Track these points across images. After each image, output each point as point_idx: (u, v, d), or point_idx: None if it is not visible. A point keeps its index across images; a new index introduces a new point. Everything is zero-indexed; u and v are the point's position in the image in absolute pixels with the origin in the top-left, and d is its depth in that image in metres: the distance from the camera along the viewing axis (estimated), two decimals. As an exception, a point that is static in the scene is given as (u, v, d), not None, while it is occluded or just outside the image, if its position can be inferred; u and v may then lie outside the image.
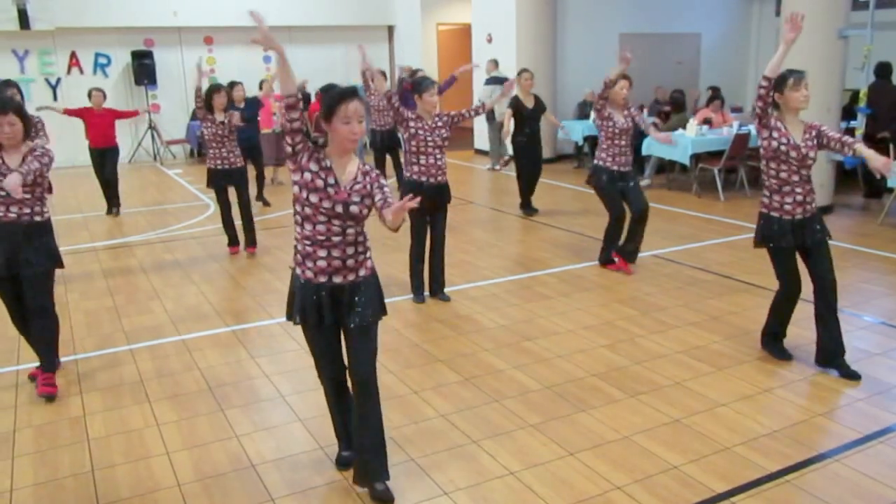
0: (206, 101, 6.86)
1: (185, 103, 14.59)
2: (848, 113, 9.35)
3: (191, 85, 14.55)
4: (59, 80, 13.49)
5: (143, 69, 13.81)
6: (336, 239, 2.95)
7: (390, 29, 16.20)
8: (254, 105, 8.82)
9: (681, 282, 6.04)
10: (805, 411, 3.82)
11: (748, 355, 4.54)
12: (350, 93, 2.89)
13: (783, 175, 4.13)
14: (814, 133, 4.10)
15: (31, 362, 4.52)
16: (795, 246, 4.22)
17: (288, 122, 2.93)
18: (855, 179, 9.69)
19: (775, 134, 4.08)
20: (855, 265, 6.41)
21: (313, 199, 2.91)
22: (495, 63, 12.48)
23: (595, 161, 6.34)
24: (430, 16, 15.22)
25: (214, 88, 6.97)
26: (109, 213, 9.30)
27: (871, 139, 8.66)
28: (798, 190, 4.15)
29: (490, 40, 13.37)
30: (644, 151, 10.31)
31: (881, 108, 8.63)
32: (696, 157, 9.70)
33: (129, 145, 13.82)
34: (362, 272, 3.04)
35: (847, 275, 6.15)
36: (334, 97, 2.88)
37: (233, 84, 8.75)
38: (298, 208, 2.97)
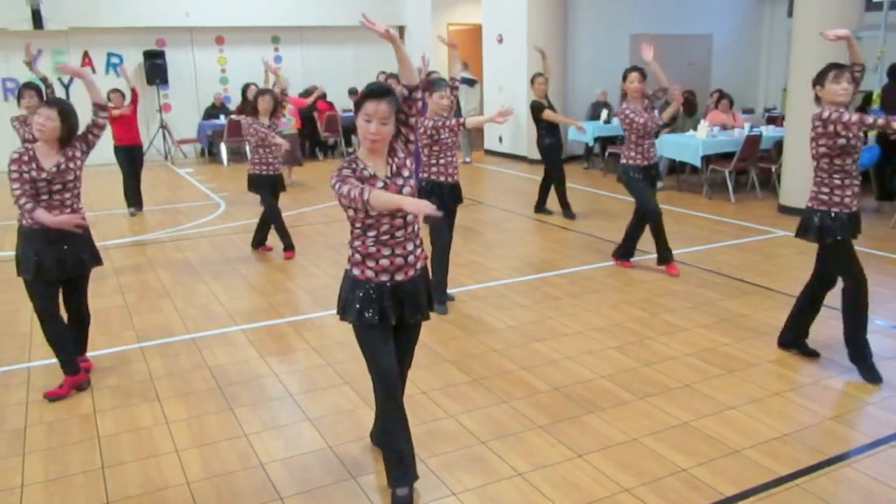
0: (252, 104, 6.87)
1: (195, 103, 14.68)
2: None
3: (202, 84, 14.69)
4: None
5: (155, 69, 13.89)
6: (399, 235, 2.91)
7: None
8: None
9: (691, 284, 6.02)
10: (815, 415, 3.80)
11: (758, 358, 4.52)
12: (377, 91, 2.80)
13: (848, 167, 4.09)
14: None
15: (43, 359, 4.56)
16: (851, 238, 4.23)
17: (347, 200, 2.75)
18: (867, 182, 9.62)
19: (841, 130, 3.98)
20: (867, 268, 6.34)
21: (372, 210, 2.81)
22: (464, 65, 12.61)
23: (623, 161, 6.28)
24: (440, 16, 15.22)
25: (260, 92, 6.94)
26: (135, 211, 9.33)
27: (884, 140, 8.61)
28: (856, 181, 4.15)
29: (500, 40, 13.37)
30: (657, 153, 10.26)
31: (894, 110, 8.56)
32: (707, 159, 9.67)
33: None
34: (419, 265, 3.04)
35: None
36: (363, 93, 2.83)
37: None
38: (358, 224, 2.91)
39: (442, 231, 5.43)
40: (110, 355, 4.77)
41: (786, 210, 8.58)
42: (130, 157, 9.21)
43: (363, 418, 3.81)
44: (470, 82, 13.43)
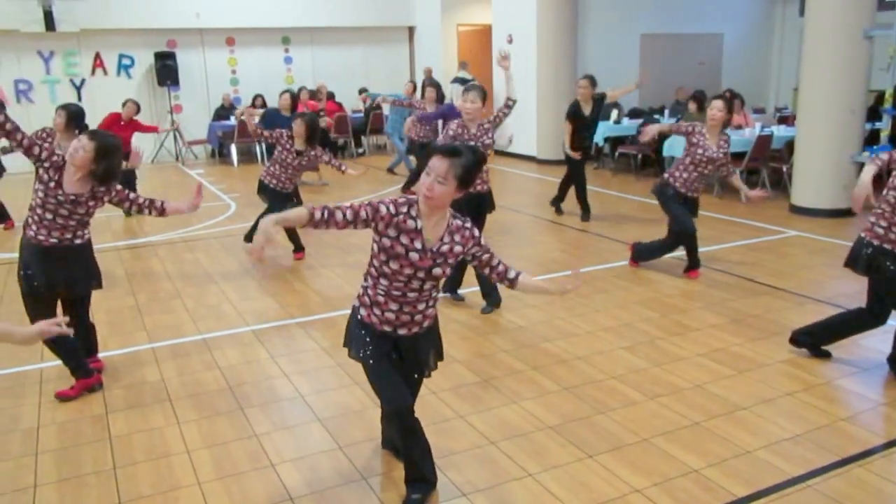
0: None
1: (206, 104, 14.74)
2: (874, 114, 9.23)
3: (213, 85, 14.76)
4: (83, 81, 13.67)
5: (166, 70, 13.95)
6: (412, 296, 2.83)
7: (411, 30, 16.24)
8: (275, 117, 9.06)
9: (701, 284, 5.99)
10: (827, 415, 3.77)
11: (770, 358, 4.50)
12: (446, 151, 2.70)
13: None
14: None
15: (55, 360, 4.59)
16: None
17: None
18: (880, 182, 9.55)
19: None
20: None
21: (393, 265, 2.76)
22: (463, 64, 12.61)
23: (665, 176, 6.18)
24: (450, 17, 15.22)
25: (298, 116, 6.96)
26: (130, 214, 9.38)
27: (895, 140, 8.54)
28: None
29: (511, 41, 13.36)
30: (665, 152, 10.24)
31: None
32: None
33: (151, 146, 13.96)
34: (426, 323, 2.96)
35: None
36: (434, 147, 2.77)
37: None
38: (376, 264, 2.82)
39: None
40: (122, 356, 4.80)
41: (797, 210, 8.53)
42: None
43: (373, 419, 3.82)
44: (462, 82, 13.42)
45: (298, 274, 6.64)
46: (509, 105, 5.57)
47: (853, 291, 5.70)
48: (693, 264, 6.20)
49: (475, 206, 5.26)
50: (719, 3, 14.56)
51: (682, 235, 6.09)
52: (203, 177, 12.57)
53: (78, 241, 4.07)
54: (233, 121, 13.94)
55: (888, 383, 4.13)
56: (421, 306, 2.88)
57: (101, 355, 4.59)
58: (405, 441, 3.00)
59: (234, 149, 13.93)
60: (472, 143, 5.22)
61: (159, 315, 5.59)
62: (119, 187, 4.10)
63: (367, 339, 2.90)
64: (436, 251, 2.78)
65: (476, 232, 2.89)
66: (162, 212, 4.23)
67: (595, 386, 4.18)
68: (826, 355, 4.46)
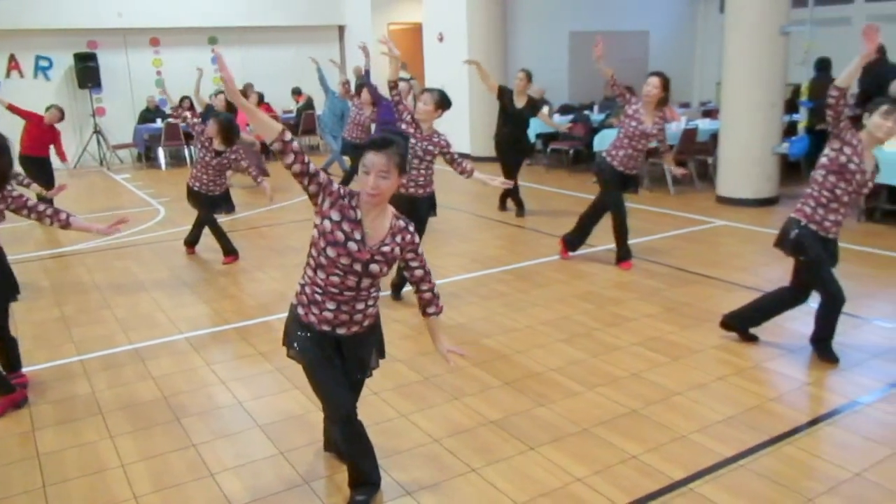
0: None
1: (131, 106, 14.30)
2: (791, 106, 9.62)
3: (137, 87, 14.32)
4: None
5: (87, 72, 13.46)
6: (349, 294, 2.75)
7: (341, 29, 16.11)
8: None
9: (635, 275, 6.14)
10: (757, 397, 3.92)
11: (702, 345, 4.64)
12: (378, 143, 2.64)
13: (838, 192, 4.02)
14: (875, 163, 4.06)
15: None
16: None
17: (287, 167, 2.65)
18: (798, 172, 9.99)
19: (847, 150, 3.95)
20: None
21: (331, 252, 2.68)
22: (402, 64, 12.61)
23: (603, 154, 6.28)
24: (380, 15, 15.16)
25: (212, 116, 6.85)
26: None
27: (811, 130, 8.93)
28: (842, 210, 4.08)
29: (441, 39, 13.39)
30: (596, 147, 10.43)
31: (821, 102, 8.88)
32: (647, 153, 9.85)
33: (73, 150, 13.46)
34: (367, 322, 2.89)
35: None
36: (365, 143, 2.69)
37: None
38: (314, 253, 2.74)
39: None
40: (49, 370, 4.61)
41: (723, 200, 8.82)
42: (37, 169, 8.84)
43: (314, 423, 3.77)
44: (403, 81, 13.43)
45: (233, 278, 6.51)
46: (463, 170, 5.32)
47: (779, 277, 5.93)
48: (624, 256, 6.34)
49: (406, 209, 5.27)
50: (644, 2, 14.93)
51: (605, 208, 6.33)
52: (129, 181, 12.20)
53: None
54: (159, 123, 13.57)
55: (812, 363, 4.31)
56: (360, 306, 2.81)
57: (25, 370, 4.40)
58: (349, 444, 2.98)
59: (161, 152, 13.56)
60: (422, 143, 5.24)
61: (88, 326, 5.40)
62: (16, 193, 3.89)
63: (308, 339, 2.83)
64: (376, 250, 2.73)
65: (416, 239, 2.86)
66: (66, 225, 4.03)
67: (535, 379, 4.23)
68: (754, 339, 4.63)
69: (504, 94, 8.28)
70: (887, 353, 4.43)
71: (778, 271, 6.14)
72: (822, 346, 4.34)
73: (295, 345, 2.88)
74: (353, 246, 2.68)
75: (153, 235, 8.23)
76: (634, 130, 5.99)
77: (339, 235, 2.67)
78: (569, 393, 4.04)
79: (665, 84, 5.92)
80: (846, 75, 3.90)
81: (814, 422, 3.66)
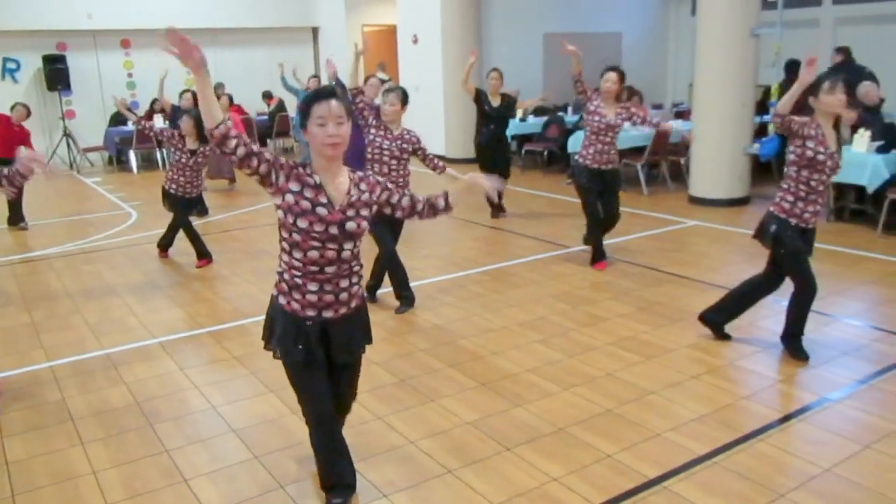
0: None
1: (102, 109, 14.09)
2: (762, 108, 9.75)
3: (108, 89, 14.12)
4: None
5: (57, 74, 13.25)
6: (330, 270, 2.65)
7: (315, 31, 16.03)
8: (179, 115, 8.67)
9: (609, 275, 6.18)
10: (730, 395, 3.96)
11: (676, 343, 4.68)
12: (325, 92, 2.55)
13: (813, 184, 4.09)
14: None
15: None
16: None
17: (231, 154, 2.53)
18: (770, 172, 10.13)
19: (810, 143, 4.02)
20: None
21: (302, 223, 2.57)
22: (381, 65, 12.65)
23: (576, 158, 6.28)
24: (354, 17, 15.12)
25: (183, 112, 6.74)
26: (16, 225, 8.83)
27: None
28: (820, 200, 4.16)
29: (416, 41, 13.38)
30: (570, 148, 10.49)
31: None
32: (620, 154, 9.92)
33: (43, 154, 13.23)
34: (353, 303, 2.79)
35: (763, 262, 6.40)
36: (307, 99, 2.57)
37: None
38: (285, 234, 2.64)
39: (387, 242, 5.35)
40: (18, 377, 4.53)
41: (696, 201, 8.91)
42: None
43: (290, 426, 3.75)
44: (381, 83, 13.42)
45: (207, 282, 6.45)
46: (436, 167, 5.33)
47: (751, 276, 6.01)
48: (598, 257, 6.38)
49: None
50: (617, 4, 15.04)
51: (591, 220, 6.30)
52: (101, 185, 12.04)
53: None
54: (131, 126, 13.39)
55: (783, 361, 4.38)
56: (343, 283, 2.70)
57: (-6, 377, 4.33)
58: (325, 447, 2.96)
59: (133, 155, 13.39)
60: (395, 143, 5.23)
61: (58, 332, 5.31)
62: None
63: (288, 335, 2.71)
64: (345, 205, 2.63)
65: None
66: (11, 180, 3.94)
67: (511, 380, 4.24)
68: (727, 337, 4.68)
69: (480, 96, 8.32)
70: (856, 350, 4.51)
71: (751, 270, 6.19)
72: (793, 344, 4.41)
73: (278, 342, 2.76)
74: (322, 211, 2.59)
75: (125, 239, 8.12)
76: (599, 125, 6.06)
77: (305, 203, 2.58)
78: (545, 393, 4.06)
79: (622, 77, 6.05)
80: (786, 101, 4.01)
81: (785, 419, 3.71)
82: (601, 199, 6.24)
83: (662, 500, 3.05)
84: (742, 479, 3.17)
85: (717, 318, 4.71)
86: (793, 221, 4.19)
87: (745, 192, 8.83)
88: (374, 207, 2.77)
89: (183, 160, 6.62)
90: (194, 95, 9.71)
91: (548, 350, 4.66)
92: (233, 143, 2.53)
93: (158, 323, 5.43)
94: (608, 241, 6.61)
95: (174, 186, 6.72)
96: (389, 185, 2.82)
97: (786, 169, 4.23)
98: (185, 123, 6.58)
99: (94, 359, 4.79)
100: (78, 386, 4.37)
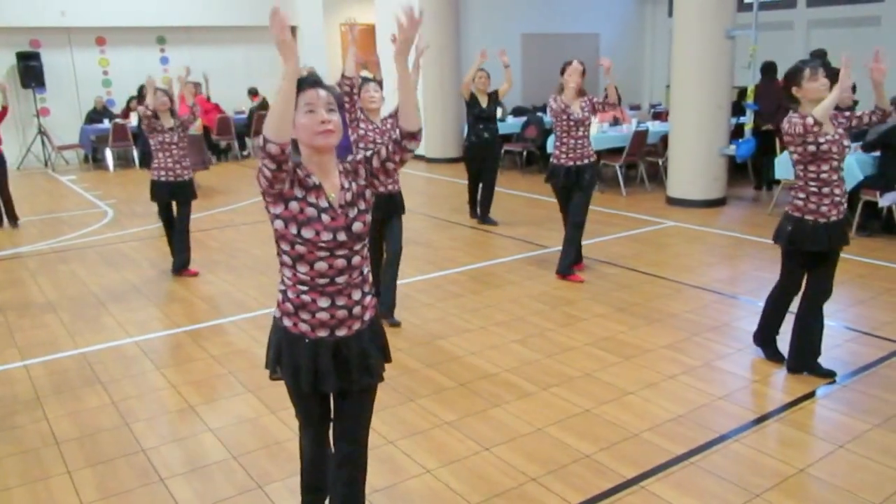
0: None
1: (77, 106, 13.92)
2: (737, 109, 9.86)
3: (83, 87, 13.95)
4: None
5: (30, 71, 13.07)
6: (341, 280, 2.34)
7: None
8: None
9: (587, 275, 6.21)
10: (706, 395, 4.00)
11: (653, 344, 4.72)
12: (309, 80, 2.30)
13: (824, 175, 3.97)
14: (840, 120, 4.01)
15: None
16: (823, 251, 4.08)
17: (274, 171, 2.18)
18: (746, 173, 10.26)
19: (809, 138, 3.90)
20: (748, 254, 6.77)
21: (307, 234, 2.28)
22: (363, 66, 12.60)
23: (552, 160, 6.16)
24: (333, 16, 15.08)
25: (158, 90, 6.35)
26: (12, 225, 8.67)
27: (757, 132, 9.16)
28: (836, 191, 4.01)
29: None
30: (549, 149, 10.54)
31: (765, 104, 9.14)
32: (598, 154, 9.99)
33: (17, 152, 13.05)
34: (367, 316, 2.47)
35: (741, 263, 6.49)
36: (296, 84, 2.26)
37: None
38: (286, 247, 2.32)
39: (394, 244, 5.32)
40: (-10, 376, 4.47)
41: (673, 201, 8.99)
42: None
43: (268, 426, 3.73)
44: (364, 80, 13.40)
45: (183, 282, 6.39)
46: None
47: (726, 277, 6.09)
48: (575, 258, 6.39)
49: (388, 208, 5.21)
50: (594, 5, 15.14)
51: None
52: (76, 183, 11.88)
53: None
54: (107, 124, 13.25)
55: (758, 362, 4.42)
56: (356, 295, 2.40)
57: (-35, 378, 4.26)
58: (309, 449, 2.80)
59: (109, 153, 13.23)
60: (384, 137, 5.19)
61: (31, 331, 5.24)
62: None
63: (295, 362, 2.41)
64: (345, 203, 2.35)
65: (359, 154, 2.47)
66: None
67: (489, 380, 4.25)
68: (782, 359, 4.41)
69: (471, 98, 8.36)
70: (829, 351, 4.57)
71: (726, 271, 6.29)
72: (768, 346, 4.45)
73: (279, 368, 2.48)
74: (326, 217, 2.30)
75: (100, 238, 8.02)
76: (567, 122, 5.99)
77: (311, 211, 2.28)
78: (523, 393, 4.07)
79: (583, 71, 6.20)
80: (828, 106, 3.82)
81: (760, 419, 3.75)
82: (570, 198, 6.08)
83: (639, 500, 3.07)
84: (718, 479, 3.20)
85: (769, 335, 4.48)
86: (810, 219, 4.04)
87: (722, 193, 8.93)
88: (369, 191, 2.46)
89: (165, 139, 6.38)
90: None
91: (526, 350, 4.67)
92: (283, 161, 2.19)
93: (134, 322, 5.37)
94: (586, 241, 6.63)
95: (164, 173, 6.33)
96: (367, 153, 2.46)
97: (794, 168, 4.10)
98: (158, 100, 6.36)
99: (68, 358, 4.72)
100: (52, 385, 4.31)
